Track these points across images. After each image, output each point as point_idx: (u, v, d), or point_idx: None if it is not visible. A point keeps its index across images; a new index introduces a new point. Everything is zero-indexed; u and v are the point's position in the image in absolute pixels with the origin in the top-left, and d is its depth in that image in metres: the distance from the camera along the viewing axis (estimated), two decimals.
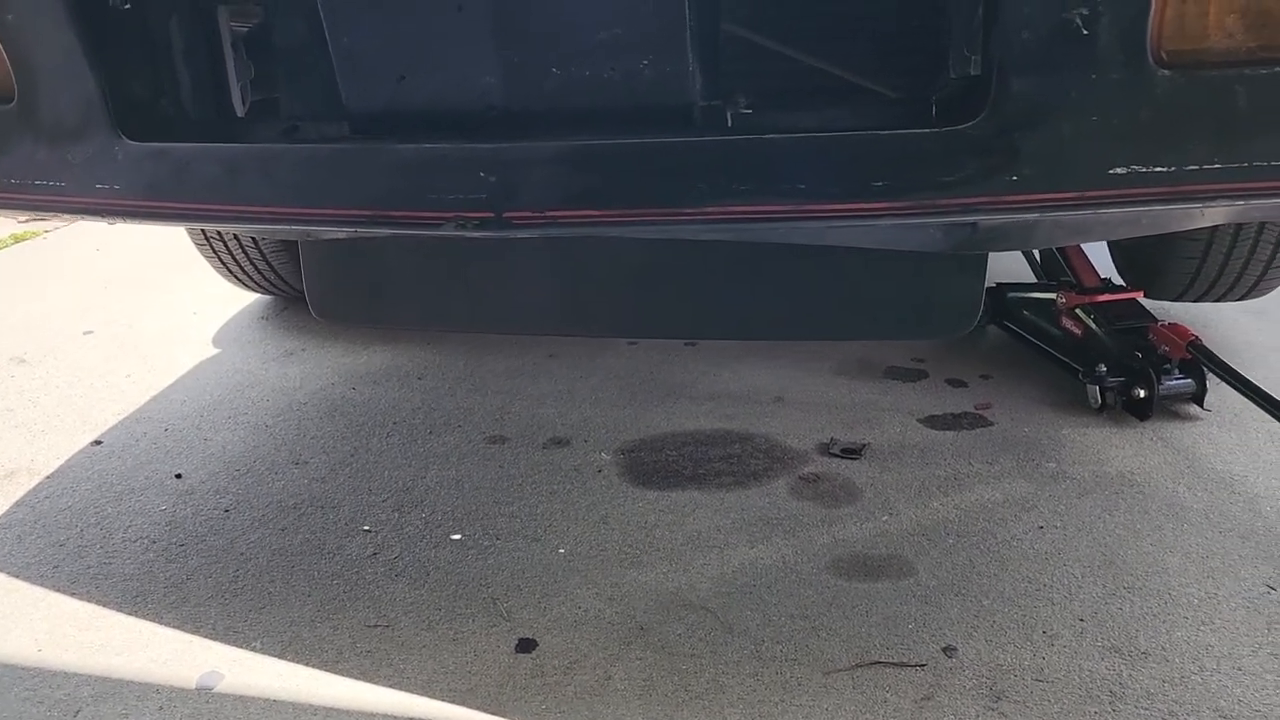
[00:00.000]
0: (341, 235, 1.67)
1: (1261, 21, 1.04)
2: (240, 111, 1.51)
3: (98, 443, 2.23)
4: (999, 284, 2.60)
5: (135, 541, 1.82)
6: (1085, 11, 1.06)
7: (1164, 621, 1.54)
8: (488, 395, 2.43)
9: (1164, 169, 1.09)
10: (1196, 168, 1.09)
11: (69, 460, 2.15)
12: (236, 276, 2.87)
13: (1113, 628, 1.53)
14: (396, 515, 1.90)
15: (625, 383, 2.48)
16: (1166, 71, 1.05)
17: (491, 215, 1.21)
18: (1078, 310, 2.35)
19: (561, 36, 1.20)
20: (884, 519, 1.84)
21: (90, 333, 2.97)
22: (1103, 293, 2.36)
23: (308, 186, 1.28)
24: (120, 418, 2.36)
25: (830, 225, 1.19)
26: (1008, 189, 1.13)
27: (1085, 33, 1.06)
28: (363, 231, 1.50)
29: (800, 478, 2.00)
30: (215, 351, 2.77)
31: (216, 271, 2.88)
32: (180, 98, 1.46)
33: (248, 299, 3.17)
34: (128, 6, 1.34)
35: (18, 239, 4.14)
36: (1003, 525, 1.81)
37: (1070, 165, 1.11)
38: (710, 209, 1.18)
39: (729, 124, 1.30)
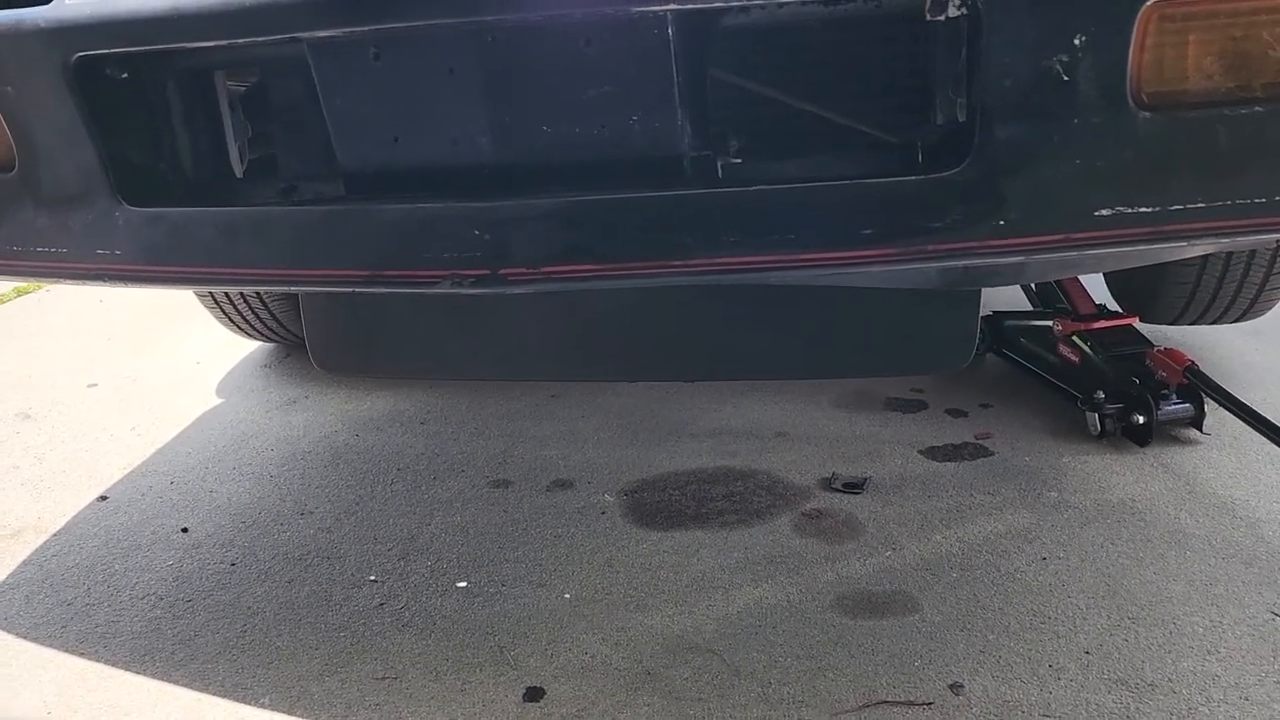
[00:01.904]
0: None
1: (1238, 63, 1.07)
2: (239, 172, 1.54)
3: (104, 498, 2.24)
4: (995, 312, 2.62)
5: (143, 598, 1.83)
6: (1065, 58, 1.08)
7: (1169, 652, 1.54)
8: (490, 439, 2.44)
9: (1148, 209, 1.11)
10: (1180, 207, 1.11)
11: (76, 517, 2.16)
12: (238, 325, 2.89)
13: (1118, 660, 1.53)
14: (402, 564, 1.91)
15: (627, 422, 2.49)
16: (1147, 114, 1.07)
17: (487, 273, 1.22)
18: (1074, 337, 2.37)
19: (551, 95, 1.22)
20: (887, 554, 1.85)
21: (95, 386, 2.99)
22: (1098, 319, 2.37)
23: (304, 248, 1.30)
24: (126, 472, 2.37)
25: (820, 273, 1.21)
26: (995, 233, 1.14)
27: (1065, 78, 1.08)
28: (360, 291, 1.52)
29: (803, 514, 2.01)
30: (219, 401, 2.78)
31: (218, 321, 2.90)
32: (179, 162, 1.48)
33: (250, 347, 3.19)
34: (125, 76, 1.36)
35: (20, 292, 4.18)
36: (1006, 557, 1.82)
37: (1055, 208, 1.13)
38: (701, 260, 1.20)
39: (719, 175, 1.32)
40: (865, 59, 1.33)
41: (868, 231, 1.16)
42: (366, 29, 1.19)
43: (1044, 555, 1.82)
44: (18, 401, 2.88)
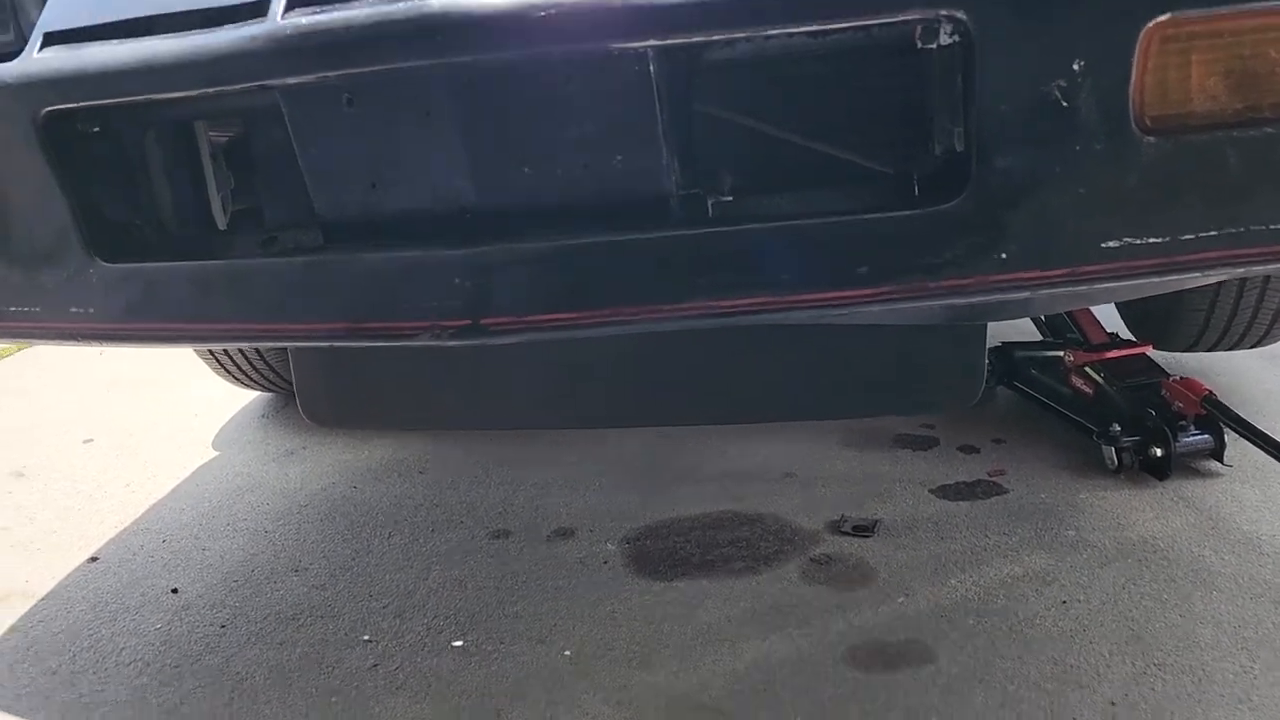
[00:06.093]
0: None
1: (1246, 82, 1.02)
2: (222, 224, 1.50)
3: (94, 559, 2.19)
4: (1005, 343, 2.56)
5: (129, 665, 1.77)
6: (1064, 83, 1.03)
7: (1199, 702, 1.46)
8: (491, 487, 2.38)
9: (1158, 239, 1.06)
10: (1192, 236, 1.06)
11: (64, 580, 2.10)
12: (234, 376, 2.85)
13: (1145, 711, 1.45)
14: (398, 622, 1.84)
15: (631, 465, 2.43)
16: (1152, 138, 1.02)
17: (468, 323, 1.17)
18: (1086, 368, 2.30)
19: (531, 136, 1.18)
20: (900, 601, 1.78)
21: (90, 441, 2.95)
22: (1110, 349, 2.31)
23: (281, 302, 1.26)
24: (118, 530, 2.31)
25: (816, 314, 1.16)
26: (996, 269, 1.09)
27: (1065, 104, 1.04)
28: (340, 345, 1.47)
29: (812, 560, 1.94)
30: (215, 454, 2.74)
31: (214, 372, 2.86)
32: (156, 216, 1.43)
33: (248, 397, 3.15)
34: (97, 130, 1.33)
35: (21, 346, 4.15)
36: (1023, 602, 1.74)
37: (1060, 241, 1.08)
38: (691, 304, 1.15)
39: (708, 213, 1.27)
40: (857, 90, 1.29)
41: (863, 269, 1.11)
42: (337, 75, 1.15)
43: (1063, 599, 1.74)
44: (13, 459, 2.84)
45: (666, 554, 2.00)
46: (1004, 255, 1.08)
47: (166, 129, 1.44)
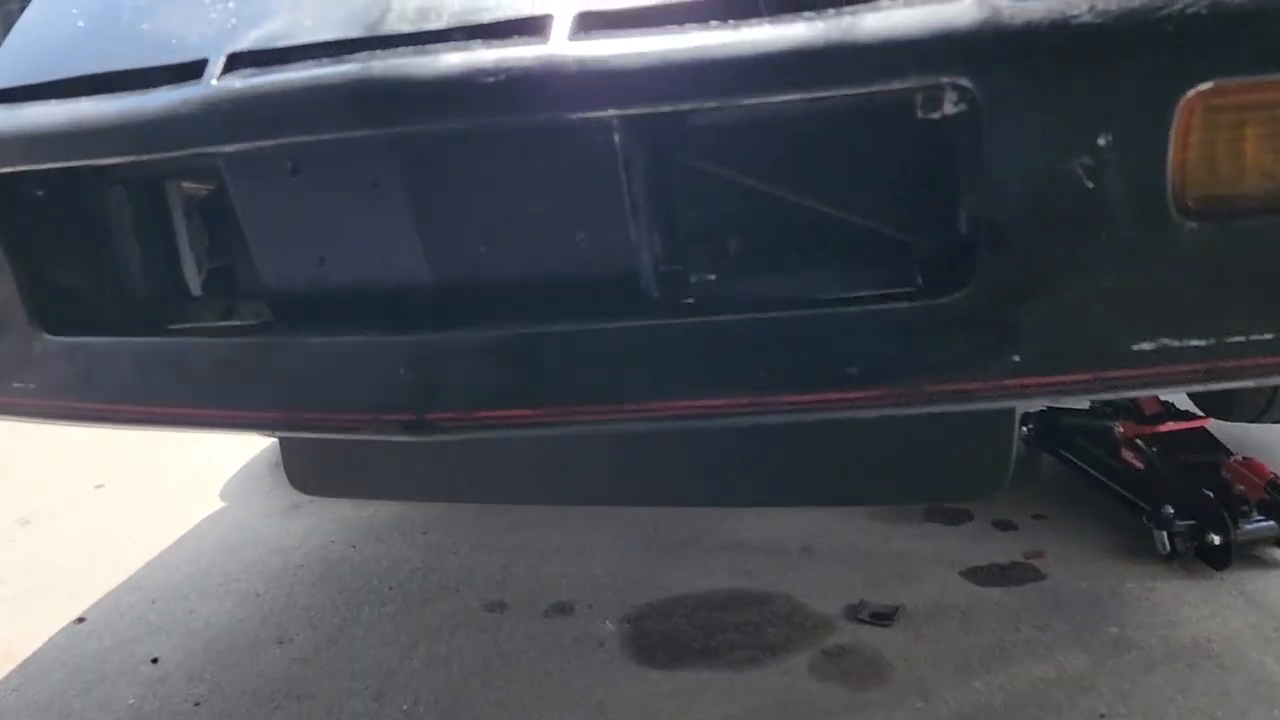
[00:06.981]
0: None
1: None
2: (196, 287, 1.41)
3: (81, 619, 2.11)
4: (1050, 408, 2.38)
5: None
6: (1088, 160, 0.89)
7: None
8: (492, 552, 2.27)
9: (1200, 342, 0.91)
10: (1241, 339, 0.90)
11: (48, 642, 2.03)
12: None
13: None
14: (376, 705, 1.72)
15: (638, 533, 2.30)
16: (1194, 224, 0.88)
17: (412, 418, 1.06)
18: (1138, 440, 2.11)
19: (486, 210, 1.06)
20: (918, 705, 1.61)
21: (101, 487, 2.90)
22: (1165, 420, 2.12)
23: (219, 386, 1.15)
24: (110, 588, 2.24)
25: (799, 417, 1.01)
26: (1009, 372, 0.95)
27: (1090, 184, 0.89)
28: (279, 435, 1.37)
29: (824, 651, 1.78)
30: (221, 505, 2.66)
31: None
32: (116, 283, 1.35)
33: (262, 443, 3.07)
34: (41, 193, 1.24)
35: None
36: (1056, 712, 1.57)
37: (1083, 343, 0.93)
38: (660, 404, 1.02)
39: (686, 295, 1.14)
40: (853, 163, 1.15)
41: (853, 370, 0.98)
42: (275, 143, 1.04)
43: (1102, 711, 1.56)
44: (22, 506, 2.80)
45: (667, 637, 1.86)
46: (1016, 358, 0.94)
47: (131, 189, 1.36)
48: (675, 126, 1.08)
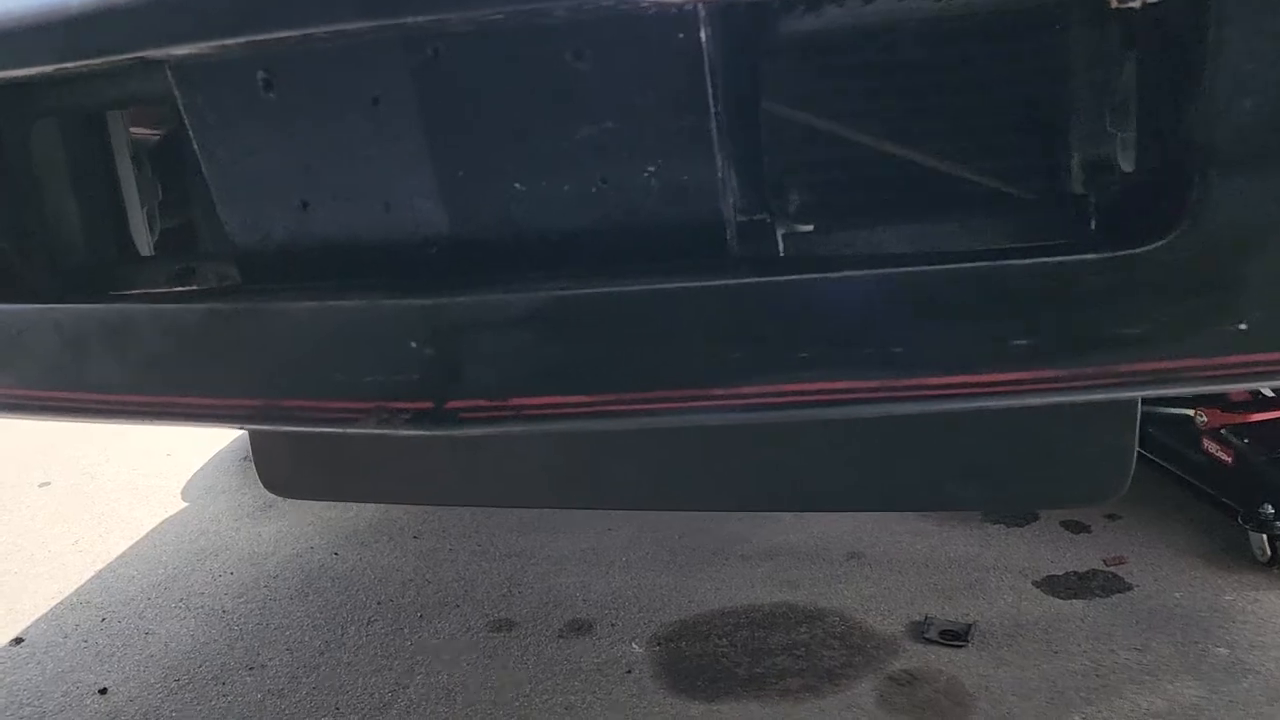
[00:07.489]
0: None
1: None
2: (146, 247, 1.15)
3: (18, 641, 1.83)
4: None
5: None
6: None
7: None
8: (495, 559, 2.00)
9: None
10: None
11: None
12: None
13: None
14: None
15: (663, 536, 2.04)
16: None
17: (429, 406, 0.80)
18: (1224, 431, 1.88)
19: (523, 136, 0.80)
20: None
21: (47, 485, 2.61)
22: (1255, 409, 1.88)
23: (171, 365, 0.88)
24: (54, 603, 1.96)
25: (939, 407, 0.76)
26: (1228, 347, 0.71)
27: None
28: (253, 429, 1.11)
29: (890, 677, 1.53)
30: (182, 506, 2.38)
31: None
32: (46, 239, 1.10)
33: (230, 435, 2.79)
34: None
35: None
36: None
37: None
38: (749, 390, 0.77)
39: (778, 252, 0.89)
40: (1008, 72, 0.89)
41: (1018, 343, 0.73)
42: (245, 41, 0.78)
43: None
44: None
45: (705, 662, 1.60)
46: (1244, 325, 0.70)
47: (64, 123, 1.09)
48: (778, 31, 0.83)
